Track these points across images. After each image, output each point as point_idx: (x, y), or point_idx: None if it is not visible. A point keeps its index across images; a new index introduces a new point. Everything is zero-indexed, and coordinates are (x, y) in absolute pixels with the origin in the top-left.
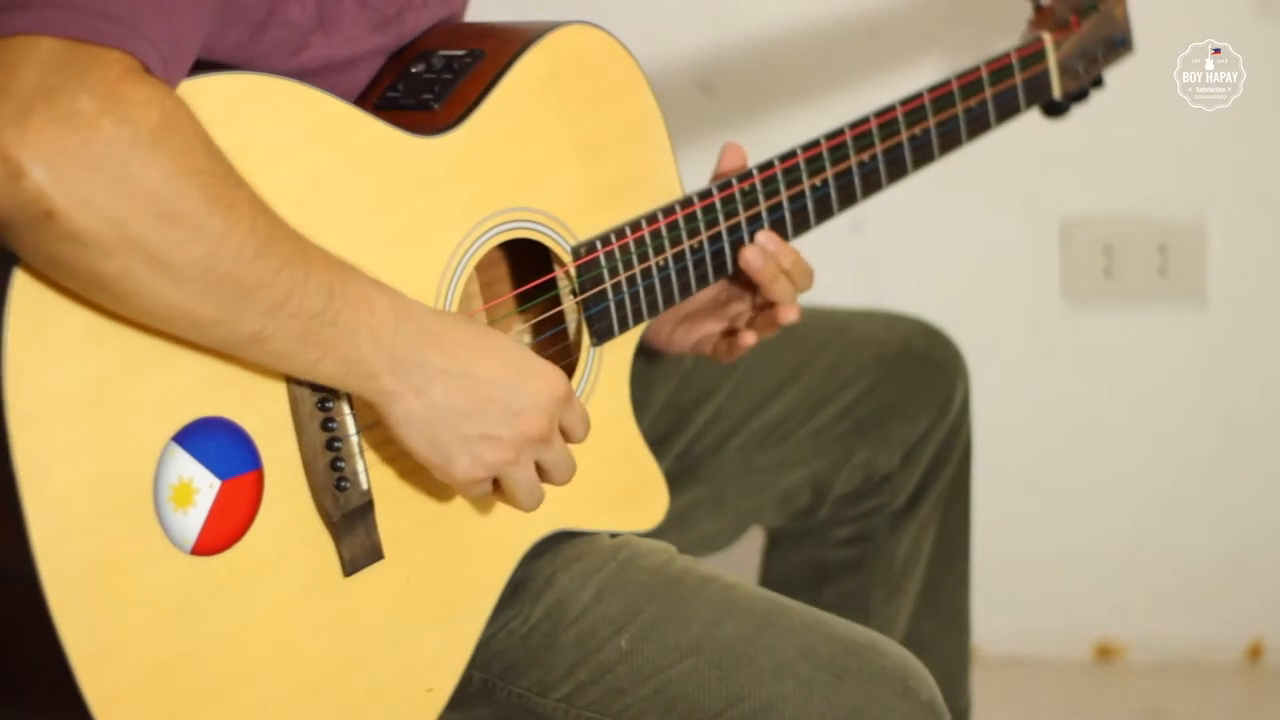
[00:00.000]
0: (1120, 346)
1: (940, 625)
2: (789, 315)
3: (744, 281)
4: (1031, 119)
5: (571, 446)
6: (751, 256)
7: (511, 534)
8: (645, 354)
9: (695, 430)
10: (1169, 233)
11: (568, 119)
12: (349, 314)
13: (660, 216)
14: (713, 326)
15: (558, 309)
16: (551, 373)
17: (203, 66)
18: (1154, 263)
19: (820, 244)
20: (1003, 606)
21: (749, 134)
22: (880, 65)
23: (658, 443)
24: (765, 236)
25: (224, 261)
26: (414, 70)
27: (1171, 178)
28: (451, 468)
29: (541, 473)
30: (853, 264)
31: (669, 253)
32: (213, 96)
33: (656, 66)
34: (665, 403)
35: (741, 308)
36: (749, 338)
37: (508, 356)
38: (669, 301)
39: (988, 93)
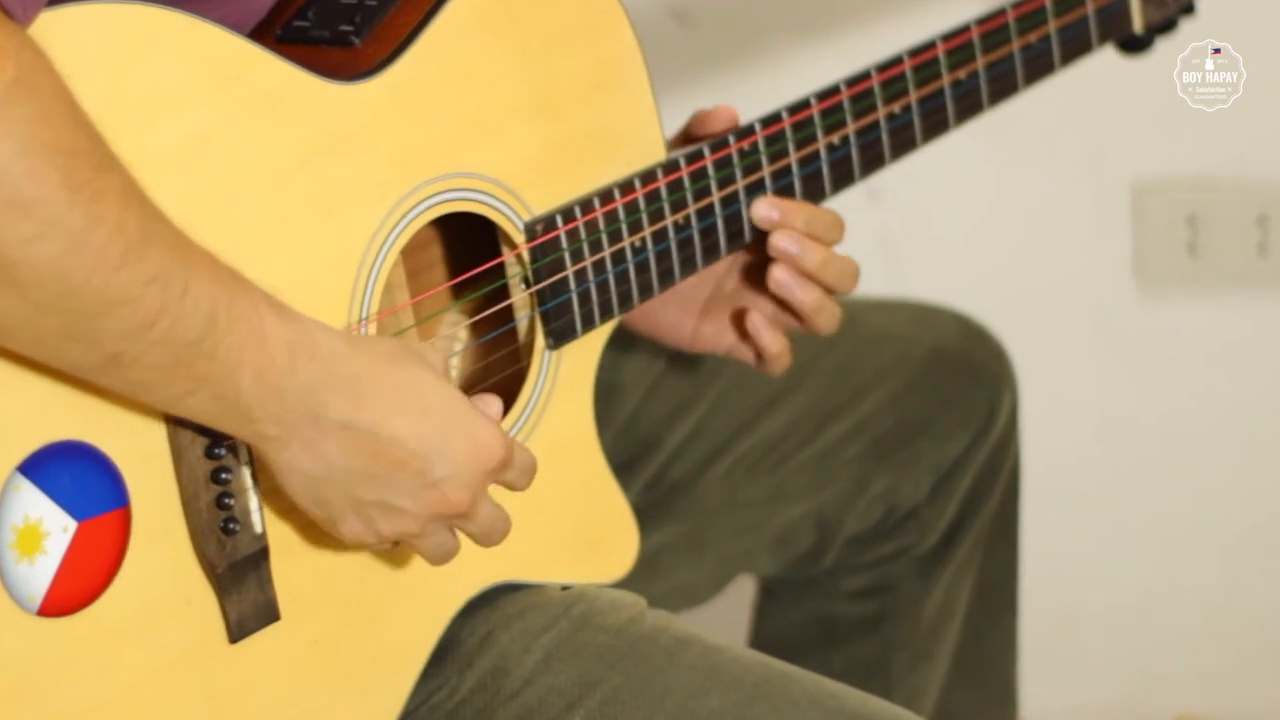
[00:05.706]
0: (1207, 343)
1: (980, 698)
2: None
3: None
4: (1097, 56)
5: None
6: (782, 278)
7: (440, 588)
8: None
9: (668, 453)
10: (1269, 200)
11: (524, 61)
12: (232, 347)
13: (638, 184)
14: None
15: (505, 303)
16: (485, 433)
17: None
18: (1250, 238)
19: None
20: (1058, 673)
21: (732, 75)
22: None
23: (621, 469)
24: (792, 243)
25: (81, 266)
26: None
27: (1271, 131)
28: (338, 527)
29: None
30: (868, 240)
31: (647, 230)
32: (74, 33)
33: None
34: (630, 418)
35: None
36: (768, 337)
37: (432, 409)
38: (646, 293)
39: (1051, 25)
